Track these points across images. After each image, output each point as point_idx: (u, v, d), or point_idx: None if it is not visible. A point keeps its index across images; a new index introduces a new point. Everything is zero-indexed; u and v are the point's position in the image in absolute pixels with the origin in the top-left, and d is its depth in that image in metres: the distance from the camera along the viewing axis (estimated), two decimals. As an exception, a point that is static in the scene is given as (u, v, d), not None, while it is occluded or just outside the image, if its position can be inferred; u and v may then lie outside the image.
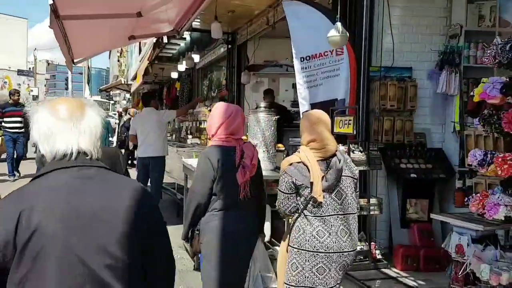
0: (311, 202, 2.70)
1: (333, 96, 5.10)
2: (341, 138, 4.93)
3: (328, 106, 5.05)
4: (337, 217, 2.73)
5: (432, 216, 3.75)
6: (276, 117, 5.56)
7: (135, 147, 7.39)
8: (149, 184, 6.95)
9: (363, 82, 5.02)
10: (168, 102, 15.35)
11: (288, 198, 2.77)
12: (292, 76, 9.43)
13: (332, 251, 2.68)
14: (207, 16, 7.45)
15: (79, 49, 6.74)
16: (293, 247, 2.76)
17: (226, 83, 9.33)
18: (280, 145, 5.85)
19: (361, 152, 4.54)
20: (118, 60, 25.16)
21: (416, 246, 4.68)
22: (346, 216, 2.76)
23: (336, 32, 4.14)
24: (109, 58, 38.33)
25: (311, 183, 2.68)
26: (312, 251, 2.68)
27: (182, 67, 11.13)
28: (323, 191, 2.69)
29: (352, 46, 4.98)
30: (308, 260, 2.70)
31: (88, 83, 36.36)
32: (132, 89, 17.60)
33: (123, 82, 19.20)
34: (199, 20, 8.56)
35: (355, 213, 2.84)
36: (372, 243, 4.59)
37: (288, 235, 2.82)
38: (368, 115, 5.03)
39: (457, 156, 4.96)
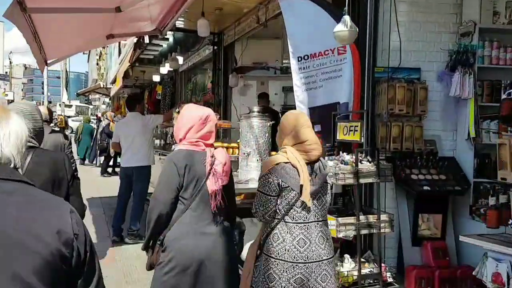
0: (294, 207, 2.58)
1: (334, 100, 4.60)
2: (344, 147, 4.45)
3: (329, 110, 4.56)
4: (318, 223, 2.64)
5: (462, 238, 3.26)
6: (271, 122, 5.04)
7: (119, 153, 6.79)
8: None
9: (367, 84, 4.53)
10: (151, 106, 14.71)
11: (270, 201, 2.60)
12: (282, 79, 9.01)
13: (311, 261, 2.58)
14: (192, 15, 6.91)
15: (52, 48, 6.16)
16: (270, 256, 2.61)
17: (213, 86, 8.78)
18: (274, 153, 5.32)
19: (370, 162, 4.03)
20: (97, 63, 24.41)
21: (430, 266, 4.21)
22: (324, 222, 2.70)
23: (343, 26, 3.64)
24: (88, 61, 37.42)
25: (301, 186, 2.55)
26: (292, 262, 2.56)
27: (164, 69, 10.54)
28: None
29: (356, 44, 4.49)
30: (287, 271, 2.57)
31: (66, 88, 35.45)
32: (112, 93, 16.88)
33: (102, 86, 18.48)
34: (183, 19, 8.01)
35: (326, 219, 2.79)
36: (383, 264, 4.09)
37: (260, 241, 2.69)
38: (374, 121, 4.54)
39: (471, 166, 4.50)
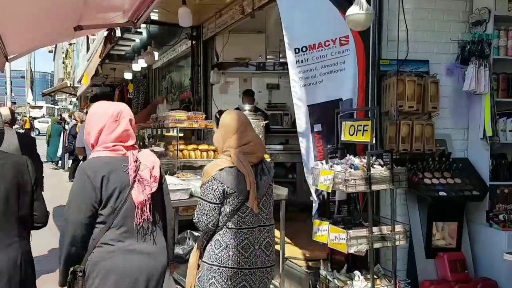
0: (239, 212, 2.46)
1: (336, 96, 4.11)
2: (348, 148, 3.97)
3: (331, 108, 4.08)
4: (263, 228, 2.53)
5: (507, 257, 2.80)
6: (265, 122, 4.53)
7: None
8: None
9: (372, 79, 4.07)
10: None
11: (215, 209, 2.44)
12: (266, 76, 8.48)
13: (256, 266, 2.48)
14: (170, 5, 6.32)
15: (13, 42, 5.51)
16: (212, 264, 2.47)
17: (191, 83, 8.18)
18: (266, 156, 4.79)
19: (382, 166, 3.56)
20: (64, 62, 23.36)
21: (448, 280, 3.78)
22: (270, 227, 2.59)
23: (358, 8, 3.15)
24: (54, 60, 36.05)
25: (248, 192, 2.43)
26: (236, 268, 2.44)
27: (137, 66, 9.89)
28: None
29: (360, 34, 4.01)
30: (231, 279, 2.45)
31: (31, 88, 34.07)
32: (79, 92, 16.02)
33: (68, 85, 17.55)
34: (158, 11, 7.41)
35: (273, 224, 2.66)
36: (398, 280, 3.62)
37: (200, 251, 2.55)
38: (380, 119, 4.07)
39: (487, 168, 4.09)
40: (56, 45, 34.90)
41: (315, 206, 4.22)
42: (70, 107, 26.49)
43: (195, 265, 2.58)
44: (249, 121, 2.65)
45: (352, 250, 3.45)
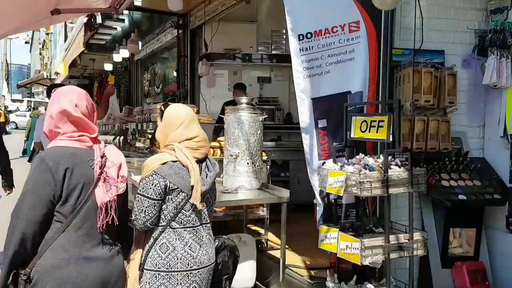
0: (183, 210, 2.34)
1: (345, 88, 3.72)
2: (357, 147, 3.59)
3: (338, 101, 3.68)
4: (205, 226, 2.46)
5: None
6: (264, 116, 4.11)
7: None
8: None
9: (383, 69, 3.68)
10: (100, 99, 13.36)
11: (154, 206, 2.30)
12: (257, 68, 8.04)
13: (204, 265, 2.39)
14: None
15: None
16: (159, 271, 2.31)
17: (178, 75, 7.69)
18: (263, 153, 4.39)
19: (400, 166, 3.18)
20: (40, 53, 22.51)
21: (467, 293, 3.42)
22: (210, 224, 2.51)
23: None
24: (30, 51, 34.96)
25: (192, 187, 2.32)
26: (186, 271, 2.32)
27: (119, 56, 9.33)
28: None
29: (372, 20, 3.62)
30: (181, 283, 2.32)
31: (7, 80, 32.98)
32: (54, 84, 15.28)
33: (45, 77, 16.77)
34: (142, -4, 6.91)
35: (211, 221, 2.57)
36: (415, 295, 3.26)
37: (141, 258, 2.35)
38: (399, 114, 3.68)
39: (507, 168, 3.75)
40: (32, 36, 33.80)
41: (319, 210, 3.82)
42: (47, 99, 25.63)
43: (135, 275, 2.33)
44: (194, 116, 2.52)
45: (366, 262, 3.07)
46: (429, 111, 3.78)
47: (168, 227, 2.33)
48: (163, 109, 3.03)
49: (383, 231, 3.50)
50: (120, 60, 9.63)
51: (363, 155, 3.40)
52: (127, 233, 2.37)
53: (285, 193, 3.78)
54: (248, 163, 3.97)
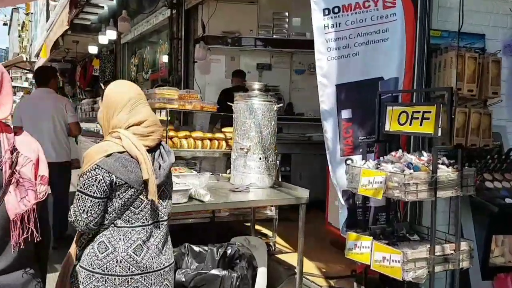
0: (132, 207, 1.99)
1: (376, 74, 3.25)
2: (392, 141, 3.13)
3: (368, 89, 3.21)
4: (161, 224, 2.10)
5: None
6: (278, 105, 3.61)
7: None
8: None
9: (420, 53, 3.22)
10: (83, 84, 12.64)
11: (99, 205, 1.94)
12: (257, 54, 7.47)
13: (151, 270, 2.03)
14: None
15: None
16: (93, 272, 1.97)
17: (170, 59, 7.11)
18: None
19: (447, 166, 2.72)
20: (19, 36, 21.49)
21: (513, 311, 2.99)
22: (167, 222, 2.14)
23: None
24: (9, 34, 33.60)
25: (144, 182, 1.96)
26: (125, 275, 1.97)
27: (105, 38, 8.68)
28: None
29: (409, -4, 3.15)
30: None
31: (-17, 63, 31.69)
32: (36, 67, 14.49)
33: (25, 60, 15.90)
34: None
35: (170, 217, 2.19)
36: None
37: (76, 252, 2.06)
38: (451, 105, 3.21)
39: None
40: (11, 17, 32.47)
41: (342, 213, 3.35)
42: (26, 84, 24.54)
43: (68, 270, 2.04)
44: (142, 94, 2.10)
45: (409, 277, 2.61)
46: (470, 102, 3.33)
47: (112, 225, 2.00)
48: (103, 87, 2.51)
49: (419, 238, 3.07)
50: (106, 42, 8.97)
51: (401, 151, 2.94)
52: (47, 252, 1.79)
53: (303, 193, 3.29)
54: (260, 158, 3.47)
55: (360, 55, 3.24)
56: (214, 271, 2.60)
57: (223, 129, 4.15)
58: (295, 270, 3.59)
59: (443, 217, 3.23)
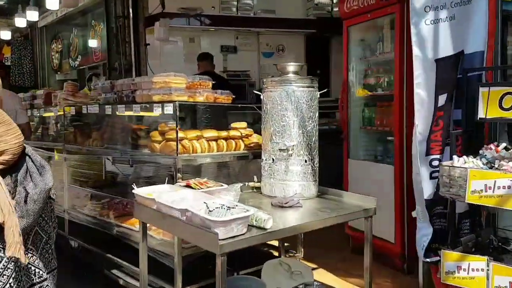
0: None
1: (458, 47, 2.59)
2: (477, 131, 2.51)
3: (450, 66, 2.55)
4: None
5: None
6: (320, 92, 2.82)
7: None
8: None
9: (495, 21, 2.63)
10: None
11: None
12: (220, 34, 6.53)
13: None
14: None
15: None
16: None
17: (116, 42, 5.94)
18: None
19: None
20: None
21: None
22: (43, 284, 1.39)
23: None
24: None
25: None
26: None
27: (23, 21, 7.20)
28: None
29: None
30: None
31: None
32: None
33: None
34: None
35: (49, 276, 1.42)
36: None
37: None
38: None
39: None
40: None
41: (423, 226, 2.67)
42: None
43: None
44: None
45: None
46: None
47: None
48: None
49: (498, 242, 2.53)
50: (25, 25, 7.47)
51: (504, 143, 2.33)
52: None
53: (370, 202, 2.54)
54: (306, 161, 2.67)
55: (456, 21, 2.57)
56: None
57: (232, 125, 3.28)
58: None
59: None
